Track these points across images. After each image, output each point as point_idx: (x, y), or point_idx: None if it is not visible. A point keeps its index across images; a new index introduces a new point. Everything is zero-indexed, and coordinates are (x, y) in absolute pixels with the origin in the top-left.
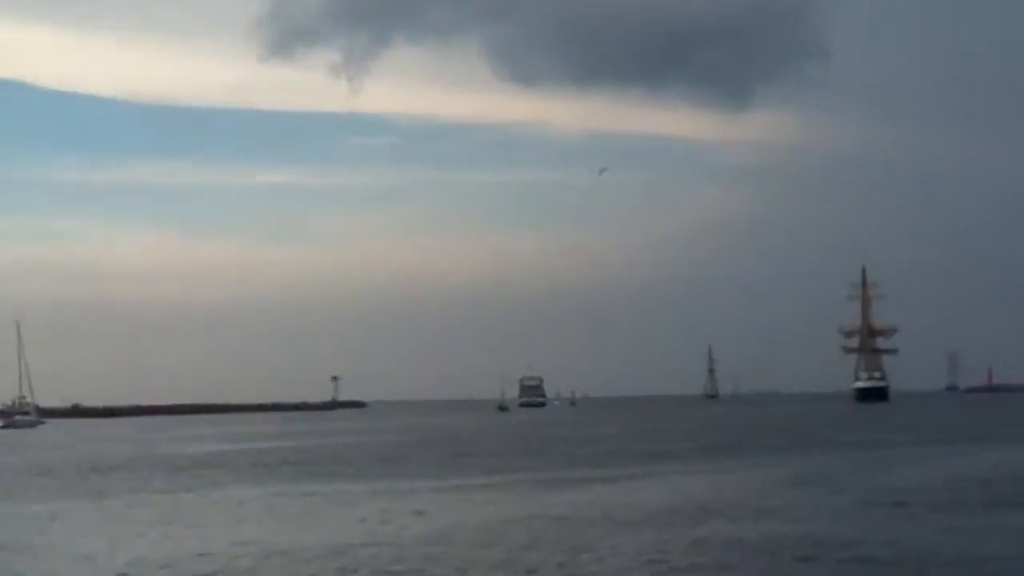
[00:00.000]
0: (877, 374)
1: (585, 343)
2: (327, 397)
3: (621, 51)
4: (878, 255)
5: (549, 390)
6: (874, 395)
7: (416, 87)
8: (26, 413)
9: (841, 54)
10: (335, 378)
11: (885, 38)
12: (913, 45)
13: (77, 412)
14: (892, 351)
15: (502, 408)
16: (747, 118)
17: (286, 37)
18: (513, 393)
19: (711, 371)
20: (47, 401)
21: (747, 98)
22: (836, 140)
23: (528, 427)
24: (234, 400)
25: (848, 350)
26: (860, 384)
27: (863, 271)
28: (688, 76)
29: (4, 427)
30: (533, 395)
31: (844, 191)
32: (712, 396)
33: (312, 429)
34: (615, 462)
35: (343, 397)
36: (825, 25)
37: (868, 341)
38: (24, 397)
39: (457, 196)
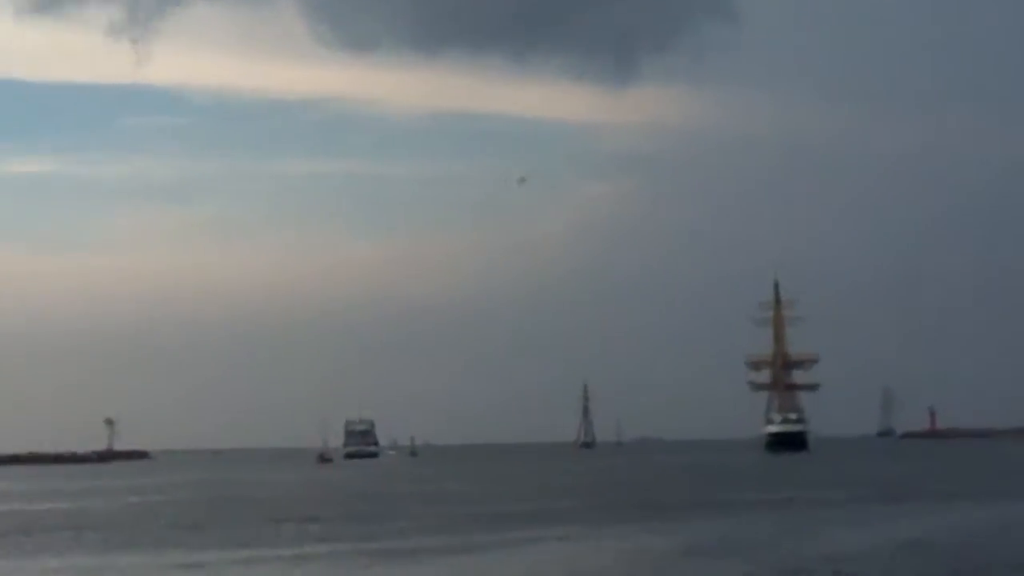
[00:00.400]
0: (793, 416)
1: (429, 378)
2: (100, 446)
3: (478, 10)
4: (796, 266)
5: (383, 436)
6: (790, 442)
7: (218, 54)
8: None
9: (752, 15)
10: (109, 422)
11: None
12: (842, 4)
13: None
14: (812, 387)
15: (324, 459)
16: (635, 94)
17: None
18: (338, 440)
19: (587, 413)
20: None
21: (635, 70)
22: (745, 122)
23: (357, 483)
24: None
25: (757, 386)
26: (773, 428)
27: (776, 287)
28: (563, 42)
29: None
30: (362, 443)
31: (754, 185)
32: (588, 444)
33: (82, 487)
34: (466, 528)
35: (120, 446)
36: None
37: (782, 375)
38: None
39: (269, 191)
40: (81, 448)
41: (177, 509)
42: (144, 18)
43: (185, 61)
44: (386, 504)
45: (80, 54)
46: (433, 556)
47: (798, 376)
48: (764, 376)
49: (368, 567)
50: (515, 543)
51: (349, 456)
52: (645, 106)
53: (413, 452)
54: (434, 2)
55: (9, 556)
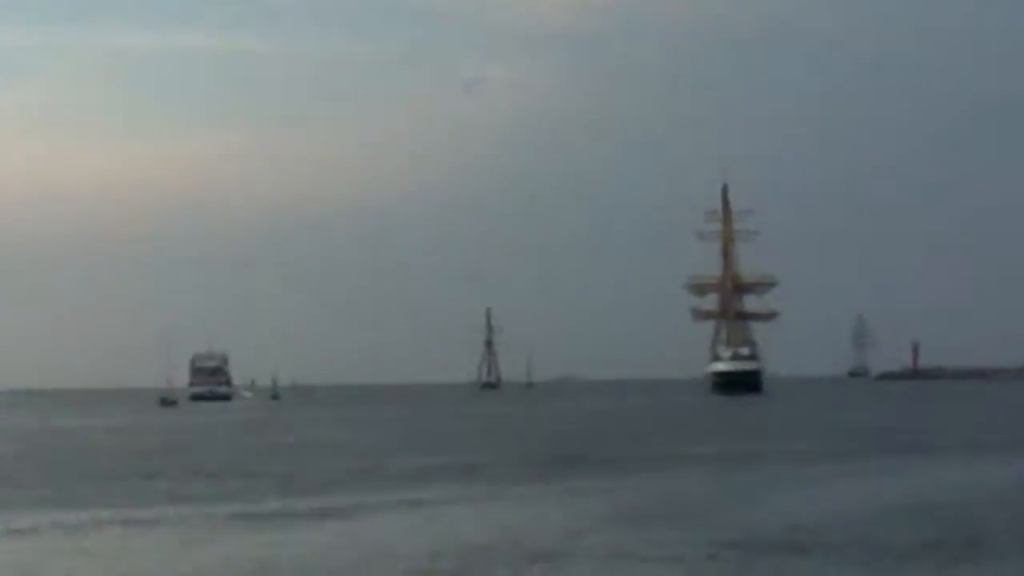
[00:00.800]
0: (746, 351)
1: (296, 303)
2: None
3: None
4: (749, 168)
5: (239, 374)
6: (741, 383)
7: None
8: None
9: None
10: None
11: None
12: None
13: None
14: (769, 316)
15: (166, 402)
16: None
17: None
18: (184, 379)
19: (490, 346)
20: None
21: None
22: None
23: (205, 431)
24: None
25: (702, 315)
26: (721, 366)
27: (725, 192)
28: None
29: None
30: (212, 382)
31: (702, 70)
32: (492, 385)
33: None
34: (341, 487)
35: None
36: None
37: (732, 301)
38: None
39: (105, 71)
40: None
41: None
42: None
43: None
44: (241, 457)
45: None
46: (299, 521)
47: (751, 303)
48: (710, 302)
49: (219, 533)
50: (402, 506)
51: (196, 398)
52: None
53: (275, 394)
54: None
55: None
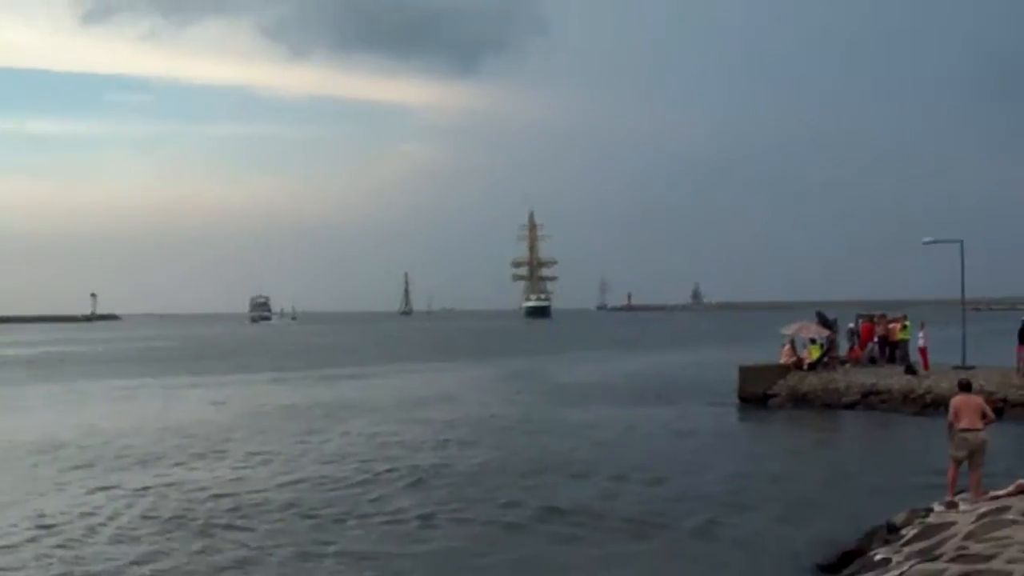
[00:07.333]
0: (543, 296)
1: (304, 268)
2: (86, 310)
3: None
4: (545, 203)
5: (275, 306)
6: (540, 312)
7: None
8: None
9: (558, 29)
10: (93, 295)
11: (598, 16)
12: (622, 23)
13: None
14: (553, 278)
15: (253, 320)
16: (461, 86)
17: None
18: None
19: (407, 292)
20: None
21: (475, 68)
22: (525, 108)
23: (267, 334)
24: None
25: (518, 277)
26: (529, 304)
27: (531, 216)
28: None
29: None
30: (263, 310)
31: (527, 150)
32: (406, 312)
33: (83, 337)
34: (349, 363)
35: (100, 311)
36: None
37: (535, 270)
38: None
39: (207, 149)
40: (73, 312)
41: (160, 352)
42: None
43: None
44: (280, 347)
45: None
46: (343, 380)
47: (544, 271)
48: (523, 271)
49: (309, 387)
50: (391, 373)
51: (254, 320)
52: (464, 95)
53: (294, 317)
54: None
55: (58, 379)
